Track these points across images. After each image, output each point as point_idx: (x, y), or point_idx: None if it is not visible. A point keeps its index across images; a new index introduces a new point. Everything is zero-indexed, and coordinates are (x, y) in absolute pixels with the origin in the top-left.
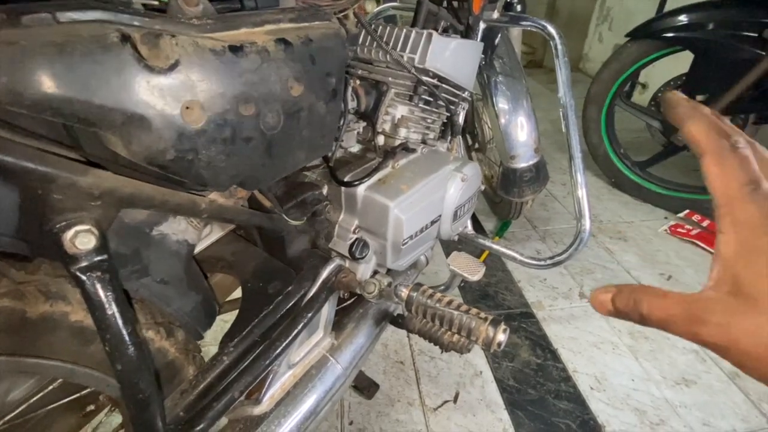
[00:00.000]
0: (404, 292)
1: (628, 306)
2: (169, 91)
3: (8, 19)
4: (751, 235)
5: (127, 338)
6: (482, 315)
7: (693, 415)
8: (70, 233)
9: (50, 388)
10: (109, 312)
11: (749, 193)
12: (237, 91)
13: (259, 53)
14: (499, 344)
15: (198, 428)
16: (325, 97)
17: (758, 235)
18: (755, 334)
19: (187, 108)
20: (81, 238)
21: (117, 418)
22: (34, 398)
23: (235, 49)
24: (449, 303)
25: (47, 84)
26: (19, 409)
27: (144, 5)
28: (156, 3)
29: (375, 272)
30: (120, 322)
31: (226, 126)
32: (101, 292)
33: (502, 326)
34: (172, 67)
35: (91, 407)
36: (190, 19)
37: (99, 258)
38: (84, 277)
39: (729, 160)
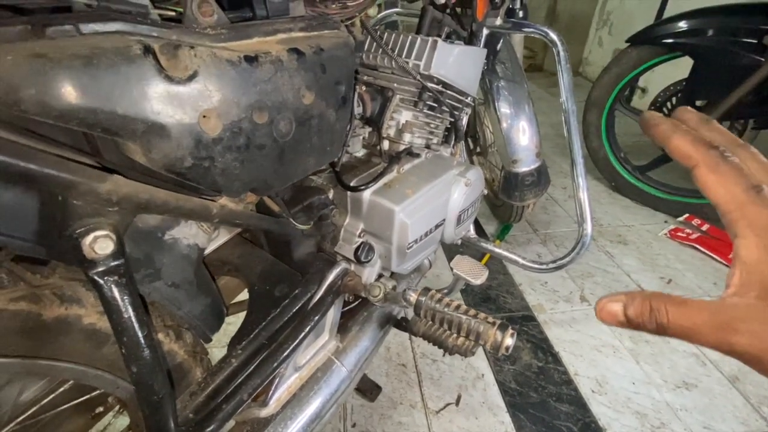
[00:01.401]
0: (413, 297)
1: (643, 316)
2: (188, 101)
3: (33, 30)
4: None
5: (142, 341)
6: (490, 319)
7: (694, 419)
8: (89, 238)
9: (61, 389)
10: (126, 315)
11: (756, 195)
12: (252, 100)
13: (273, 63)
14: (507, 348)
15: (207, 429)
16: (335, 105)
17: None
18: None
19: (205, 117)
20: (100, 243)
21: (124, 420)
22: (45, 399)
23: (250, 59)
24: (457, 307)
25: (74, 95)
26: (31, 410)
27: (160, 15)
28: (172, 13)
29: (380, 276)
30: (136, 324)
31: (241, 134)
32: (118, 296)
33: (510, 330)
34: (191, 77)
35: (100, 409)
36: (205, 29)
37: (116, 262)
38: (102, 281)
39: (723, 167)
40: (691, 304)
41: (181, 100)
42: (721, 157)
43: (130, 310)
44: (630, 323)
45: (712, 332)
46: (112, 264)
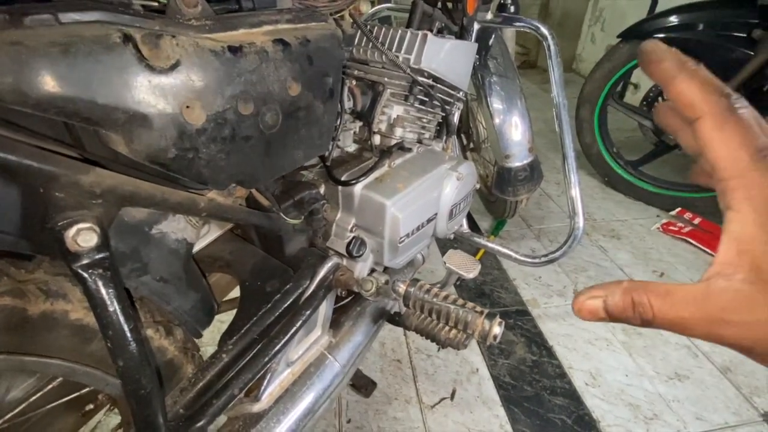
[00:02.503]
0: (402, 288)
1: (626, 311)
2: (170, 91)
3: (11, 20)
4: None
5: (128, 335)
6: (478, 309)
7: (686, 410)
8: (72, 231)
9: (50, 387)
10: (111, 309)
11: (761, 161)
12: (236, 91)
13: (258, 53)
14: (495, 337)
15: (198, 425)
16: (323, 97)
17: None
18: None
19: (188, 107)
20: (83, 236)
21: (115, 419)
22: (34, 397)
23: (234, 49)
24: (446, 297)
25: (51, 83)
26: (19, 408)
27: (143, 6)
28: (155, 4)
29: (372, 270)
30: (121, 318)
31: (225, 125)
32: (103, 289)
33: (498, 319)
34: (173, 67)
35: (90, 406)
36: (188, 20)
37: (100, 255)
38: (86, 275)
39: (731, 123)
40: (675, 295)
41: (163, 89)
42: (731, 109)
43: (116, 303)
44: (613, 319)
45: (700, 325)
46: (96, 257)
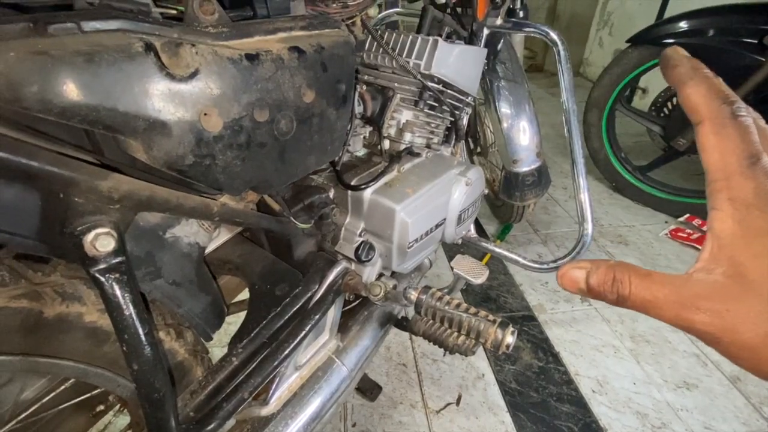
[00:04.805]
0: (414, 295)
1: (605, 285)
2: (189, 98)
3: (35, 28)
4: (749, 213)
5: (143, 338)
6: (491, 318)
7: (694, 419)
8: (90, 236)
9: (62, 388)
10: (127, 313)
11: (748, 167)
12: (252, 98)
13: (274, 61)
14: (508, 346)
15: (208, 428)
16: (336, 104)
17: (757, 213)
18: (754, 321)
19: (206, 114)
20: (101, 241)
21: (124, 419)
22: (46, 398)
23: (251, 57)
24: (458, 305)
25: (75, 92)
26: (32, 408)
27: (162, 14)
28: (173, 12)
29: (380, 275)
30: (137, 322)
31: (241, 132)
32: (119, 293)
33: (510, 328)
34: (192, 75)
35: (101, 407)
36: (206, 28)
37: (117, 260)
38: (103, 279)
39: (729, 129)
40: (655, 278)
41: (182, 97)
42: (731, 116)
43: (131, 307)
44: (590, 292)
45: (672, 308)
46: (113, 261)
